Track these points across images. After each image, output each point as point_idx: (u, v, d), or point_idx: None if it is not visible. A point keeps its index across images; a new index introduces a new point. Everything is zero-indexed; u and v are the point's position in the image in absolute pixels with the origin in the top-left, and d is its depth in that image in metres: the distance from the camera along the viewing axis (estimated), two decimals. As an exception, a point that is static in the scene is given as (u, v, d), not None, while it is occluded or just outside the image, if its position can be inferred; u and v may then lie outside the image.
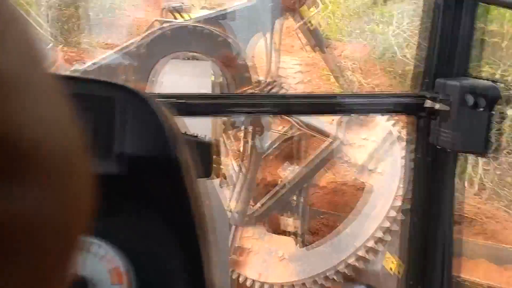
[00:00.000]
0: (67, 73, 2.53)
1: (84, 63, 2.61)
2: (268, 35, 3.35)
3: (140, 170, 0.45)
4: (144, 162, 0.45)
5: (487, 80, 1.14)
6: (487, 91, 1.12)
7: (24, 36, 0.21)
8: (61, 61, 2.73)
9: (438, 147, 1.31)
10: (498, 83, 1.13)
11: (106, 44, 7.64)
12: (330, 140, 3.81)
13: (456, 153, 1.30)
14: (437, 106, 1.26)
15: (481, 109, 1.16)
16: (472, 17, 1.22)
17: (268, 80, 3.83)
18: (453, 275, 1.32)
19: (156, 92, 1.43)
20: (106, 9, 8.36)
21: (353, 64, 7.77)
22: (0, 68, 0.18)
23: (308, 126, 4.23)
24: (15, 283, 0.19)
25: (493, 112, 1.15)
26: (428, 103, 1.28)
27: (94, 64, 2.52)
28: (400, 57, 6.85)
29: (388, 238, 3.38)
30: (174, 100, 1.15)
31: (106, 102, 0.43)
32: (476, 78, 1.22)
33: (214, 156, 2.80)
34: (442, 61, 1.29)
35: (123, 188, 0.44)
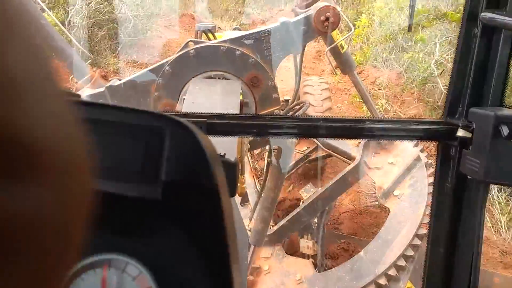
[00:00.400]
0: (103, 88, 2.61)
1: (120, 80, 2.69)
2: (298, 57, 3.39)
3: (179, 194, 0.47)
4: (183, 187, 0.47)
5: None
6: (523, 122, 1.10)
7: (30, 39, 0.21)
8: (97, 77, 2.83)
9: (468, 177, 1.28)
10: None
11: (135, 63, 7.83)
12: (354, 163, 3.76)
13: (487, 184, 1.27)
14: (470, 135, 1.24)
15: (515, 141, 1.13)
16: (510, 46, 1.21)
17: (296, 101, 3.85)
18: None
19: (184, 112, 1.46)
20: (138, 31, 8.60)
21: (388, 91, 7.41)
22: (5, 68, 0.19)
23: (333, 148, 4.22)
24: (15, 283, 0.19)
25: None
26: (460, 132, 1.27)
27: (129, 81, 2.60)
28: (443, 89, 6.55)
29: (411, 267, 3.28)
30: (202, 119, 1.17)
31: (152, 131, 0.46)
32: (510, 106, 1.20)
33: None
34: (477, 90, 1.27)
35: (161, 211, 0.46)
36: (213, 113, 1.20)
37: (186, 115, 1.19)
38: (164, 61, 2.50)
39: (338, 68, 3.62)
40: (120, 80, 2.63)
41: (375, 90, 7.53)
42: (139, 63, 7.67)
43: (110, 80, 2.67)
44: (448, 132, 1.28)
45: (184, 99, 2.30)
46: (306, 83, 5.23)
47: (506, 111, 1.18)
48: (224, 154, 1.13)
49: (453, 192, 1.31)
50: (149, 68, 2.53)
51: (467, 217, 1.31)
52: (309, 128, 1.31)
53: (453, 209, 1.32)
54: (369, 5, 9.54)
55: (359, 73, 7.76)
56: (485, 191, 1.26)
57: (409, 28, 7.19)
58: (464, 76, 1.30)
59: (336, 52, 3.51)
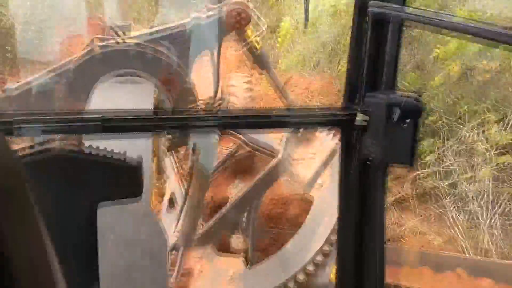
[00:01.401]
0: None
1: (18, 82, 2.47)
2: (215, 54, 3.36)
3: None
4: None
5: (412, 94, 1.21)
6: (412, 105, 1.18)
7: None
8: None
9: (368, 160, 1.35)
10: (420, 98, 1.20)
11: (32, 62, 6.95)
12: (278, 157, 3.85)
13: (385, 166, 1.35)
14: (367, 118, 1.30)
15: (405, 124, 1.21)
16: (398, 35, 1.29)
17: (216, 98, 3.83)
18: (386, 283, 1.35)
19: (80, 110, 1.37)
20: (33, 44, 7.56)
21: (322, 98, 6.90)
22: None
23: (256, 144, 4.27)
24: None
25: (417, 125, 1.22)
26: (359, 117, 1.33)
27: (27, 83, 2.39)
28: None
29: (335, 251, 3.43)
30: (95, 116, 1.10)
31: None
32: (403, 92, 1.28)
33: (156, 175, 2.74)
34: (371, 77, 1.34)
35: None
36: (109, 109, 1.13)
37: (77, 113, 1.11)
38: (67, 60, 2.33)
39: (255, 65, 3.67)
40: (18, 82, 2.41)
41: (308, 98, 6.92)
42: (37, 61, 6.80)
43: (6, 83, 2.44)
44: (349, 118, 1.34)
45: (90, 105, 2.16)
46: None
47: (397, 96, 1.26)
48: (125, 152, 1.06)
49: (356, 177, 1.37)
50: (49, 69, 2.34)
51: (370, 200, 1.38)
52: (219, 120, 1.29)
53: (358, 193, 1.38)
54: (293, 7, 8.75)
55: (286, 83, 7.18)
56: (384, 173, 1.34)
57: (305, 25, 7.11)
58: (360, 64, 1.36)
59: (252, 50, 3.55)
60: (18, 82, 2.43)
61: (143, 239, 1.30)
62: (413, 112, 1.18)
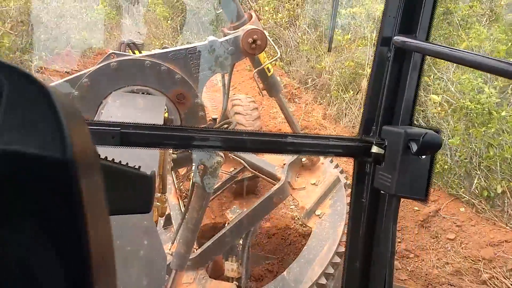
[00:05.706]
0: None
1: None
2: (226, 77, 3.39)
3: (26, 169, 0.35)
4: (23, 159, 0.35)
5: (430, 129, 1.21)
6: (430, 139, 1.18)
7: None
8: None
9: (382, 192, 1.34)
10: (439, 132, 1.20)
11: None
12: (279, 184, 3.81)
13: (398, 198, 1.34)
14: (382, 151, 1.30)
15: (423, 157, 1.21)
16: (418, 69, 1.30)
17: (224, 120, 3.84)
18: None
19: (100, 120, 1.36)
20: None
21: None
22: None
23: (258, 169, 4.25)
24: None
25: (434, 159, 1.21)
26: (374, 149, 1.33)
27: None
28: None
29: (331, 284, 3.35)
30: (115, 128, 1.09)
31: None
32: (420, 127, 1.29)
33: (159, 194, 2.70)
34: (389, 110, 1.35)
35: (10, 193, 0.34)
36: (128, 123, 1.12)
37: (96, 123, 1.10)
38: (82, 72, 2.35)
39: (264, 90, 3.69)
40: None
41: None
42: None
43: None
44: (363, 149, 1.33)
45: (102, 113, 2.16)
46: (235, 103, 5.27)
47: (415, 129, 1.26)
48: (139, 167, 1.04)
49: (368, 207, 1.36)
50: (64, 79, 2.36)
51: (381, 232, 1.36)
52: (232, 141, 1.28)
53: (368, 224, 1.36)
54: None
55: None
56: (397, 205, 1.32)
57: (329, 48, 7.12)
58: (378, 96, 1.37)
59: (263, 75, 3.58)
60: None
61: (143, 254, 1.27)
62: (433, 145, 1.17)
